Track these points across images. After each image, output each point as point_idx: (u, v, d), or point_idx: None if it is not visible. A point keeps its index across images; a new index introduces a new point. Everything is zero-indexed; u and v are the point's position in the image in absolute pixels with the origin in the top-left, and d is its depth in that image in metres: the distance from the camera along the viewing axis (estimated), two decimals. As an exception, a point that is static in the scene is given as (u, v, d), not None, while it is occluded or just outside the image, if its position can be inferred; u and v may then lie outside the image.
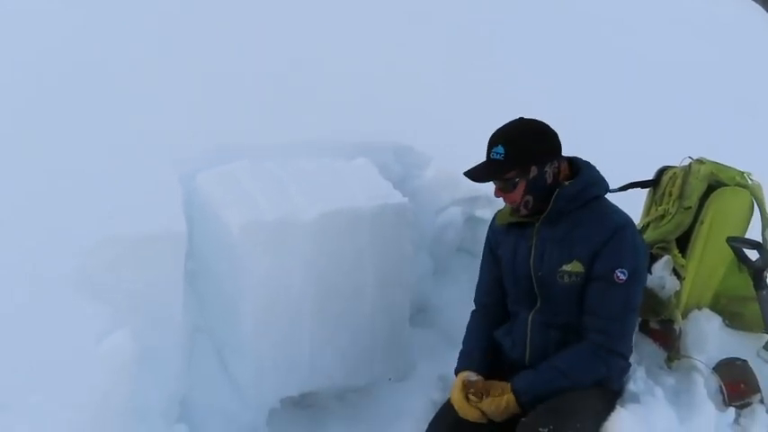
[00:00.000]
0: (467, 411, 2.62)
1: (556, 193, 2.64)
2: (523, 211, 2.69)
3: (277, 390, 3.11)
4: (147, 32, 4.38)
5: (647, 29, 6.49)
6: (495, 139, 2.65)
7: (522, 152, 2.62)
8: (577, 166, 2.72)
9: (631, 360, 2.91)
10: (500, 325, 2.90)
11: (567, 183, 2.66)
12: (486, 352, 2.86)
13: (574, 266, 2.63)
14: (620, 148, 4.26)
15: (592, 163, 2.76)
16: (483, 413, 2.60)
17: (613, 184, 2.85)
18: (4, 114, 3.44)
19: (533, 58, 5.32)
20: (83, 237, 2.86)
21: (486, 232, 2.99)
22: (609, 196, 2.78)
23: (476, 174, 2.68)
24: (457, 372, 2.82)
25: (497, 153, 2.61)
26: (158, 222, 3.01)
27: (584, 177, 2.68)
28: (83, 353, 2.56)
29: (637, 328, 3.15)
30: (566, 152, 2.73)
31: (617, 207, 2.74)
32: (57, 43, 4.10)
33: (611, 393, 2.71)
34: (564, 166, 2.71)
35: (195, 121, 3.58)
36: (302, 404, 3.30)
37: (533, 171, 2.62)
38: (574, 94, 4.98)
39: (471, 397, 2.63)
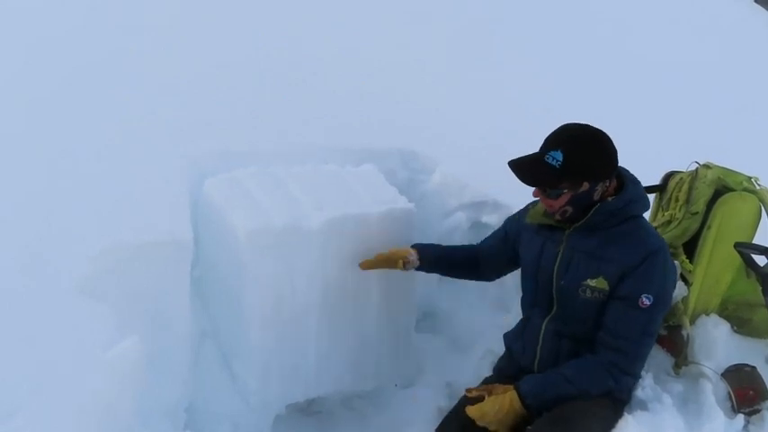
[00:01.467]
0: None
1: (598, 206, 2.54)
2: (558, 217, 2.62)
3: (283, 396, 3.11)
4: (154, 35, 4.35)
5: (647, 29, 6.48)
6: (557, 142, 2.51)
7: (581, 166, 2.49)
8: (623, 180, 2.62)
9: (640, 370, 2.92)
10: (479, 267, 3.02)
11: (610, 198, 2.56)
12: (443, 254, 3.06)
13: (599, 282, 2.56)
14: (622, 148, 4.25)
15: (638, 179, 2.68)
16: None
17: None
18: (8, 117, 3.41)
19: (536, 60, 5.32)
20: (89, 243, 2.84)
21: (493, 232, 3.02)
22: None
23: (524, 174, 2.55)
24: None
25: (555, 159, 2.47)
26: (165, 228, 2.99)
27: (628, 194, 2.58)
28: (89, 359, 2.54)
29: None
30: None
31: (653, 229, 2.67)
32: (57, 44, 4.07)
33: (619, 403, 2.68)
34: (613, 184, 2.59)
35: (202, 126, 3.55)
36: (308, 410, 3.31)
37: (584, 186, 2.51)
38: (576, 96, 4.96)
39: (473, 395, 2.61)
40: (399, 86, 4.40)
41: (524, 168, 2.55)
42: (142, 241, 2.92)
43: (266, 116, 3.77)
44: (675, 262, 3.10)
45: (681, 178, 3.22)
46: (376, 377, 3.27)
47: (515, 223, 2.91)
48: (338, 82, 4.28)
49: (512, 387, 2.57)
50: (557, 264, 2.65)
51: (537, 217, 2.74)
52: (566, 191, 2.52)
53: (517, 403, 2.51)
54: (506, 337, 2.89)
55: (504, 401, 2.52)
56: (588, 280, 2.58)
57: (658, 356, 3.10)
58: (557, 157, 2.46)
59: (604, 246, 2.57)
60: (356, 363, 3.20)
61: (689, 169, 3.24)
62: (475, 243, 3.16)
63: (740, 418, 2.92)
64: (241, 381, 3.08)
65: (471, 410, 2.56)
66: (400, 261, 2.96)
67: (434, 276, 3.53)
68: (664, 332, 3.13)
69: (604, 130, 2.55)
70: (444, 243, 3.52)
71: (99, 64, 3.96)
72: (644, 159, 3.55)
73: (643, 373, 2.93)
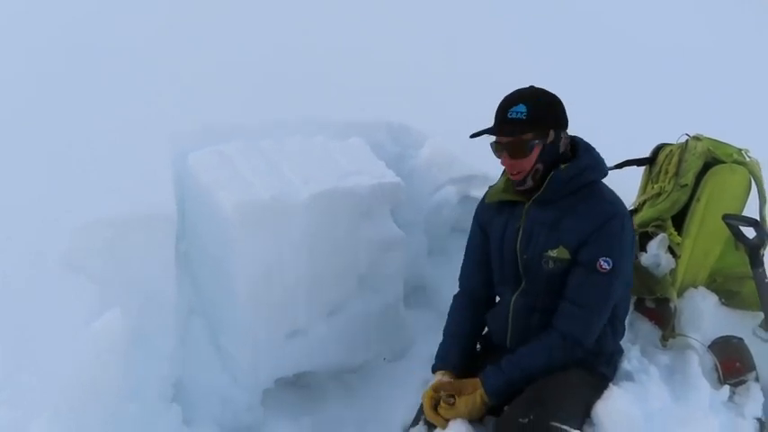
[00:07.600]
0: (435, 420, 2.57)
1: (551, 175, 2.56)
2: (529, 183, 2.60)
3: (272, 370, 3.10)
4: (139, 15, 4.36)
5: (643, 13, 6.47)
6: (514, 99, 2.55)
7: (544, 114, 2.54)
8: (577, 148, 2.64)
9: (626, 339, 2.90)
10: (484, 308, 2.86)
11: (562, 166, 2.58)
12: (464, 347, 2.80)
13: (560, 252, 2.57)
14: (620, 134, 4.24)
15: (591, 145, 2.68)
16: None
17: (610, 164, 2.78)
18: (8, 109, 3.42)
19: (529, 41, 5.32)
20: (74, 217, 2.85)
21: (464, 260, 2.94)
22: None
23: (493, 130, 2.57)
24: (434, 369, 2.77)
25: (518, 112, 2.51)
26: (150, 203, 3.00)
27: (581, 161, 2.60)
28: (73, 333, 2.55)
29: (632, 308, 3.15)
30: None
31: (612, 194, 2.65)
32: (52, 29, 4.10)
33: (598, 376, 2.66)
34: (568, 147, 2.64)
35: (187, 101, 3.55)
36: (297, 384, 3.30)
37: (551, 135, 2.55)
38: (569, 78, 4.93)
39: (444, 400, 2.56)
40: (399, 86, 4.39)
41: (492, 128, 2.58)
42: (127, 215, 2.93)
43: (266, 116, 3.75)
44: (663, 234, 3.10)
45: (670, 150, 3.21)
46: (365, 351, 3.28)
47: (481, 213, 2.87)
48: (338, 81, 4.26)
49: (478, 383, 2.56)
50: (518, 238, 2.66)
51: (496, 194, 2.76)
52: (535, 142, 2.53)
53: (485, 398, 2.54)
54: (486, 318, 2.89)
55: (476, 400, 2.54)
56: (549, 251, 2.58)
57: (646, 329, 3.11)
58: (520, 110, 2.51)
59: (562, 216, 2.58)
60: (345, 336, 3.20)
61: (679, 141, 3.23)
62: (463, 218, 3.13)
63: (726, 389, 2.93)
64: (229, 355, 3.08)
65: (446, 413, 2.54)
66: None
67: (423, 251, 3.54)
68: (651, 304, 3.14)
69: None
70: (433, 218, 3.55)
71: (91, 47, 3.98)
72: (644, 148, 3.55)
73: (630, 344, 2.94)
